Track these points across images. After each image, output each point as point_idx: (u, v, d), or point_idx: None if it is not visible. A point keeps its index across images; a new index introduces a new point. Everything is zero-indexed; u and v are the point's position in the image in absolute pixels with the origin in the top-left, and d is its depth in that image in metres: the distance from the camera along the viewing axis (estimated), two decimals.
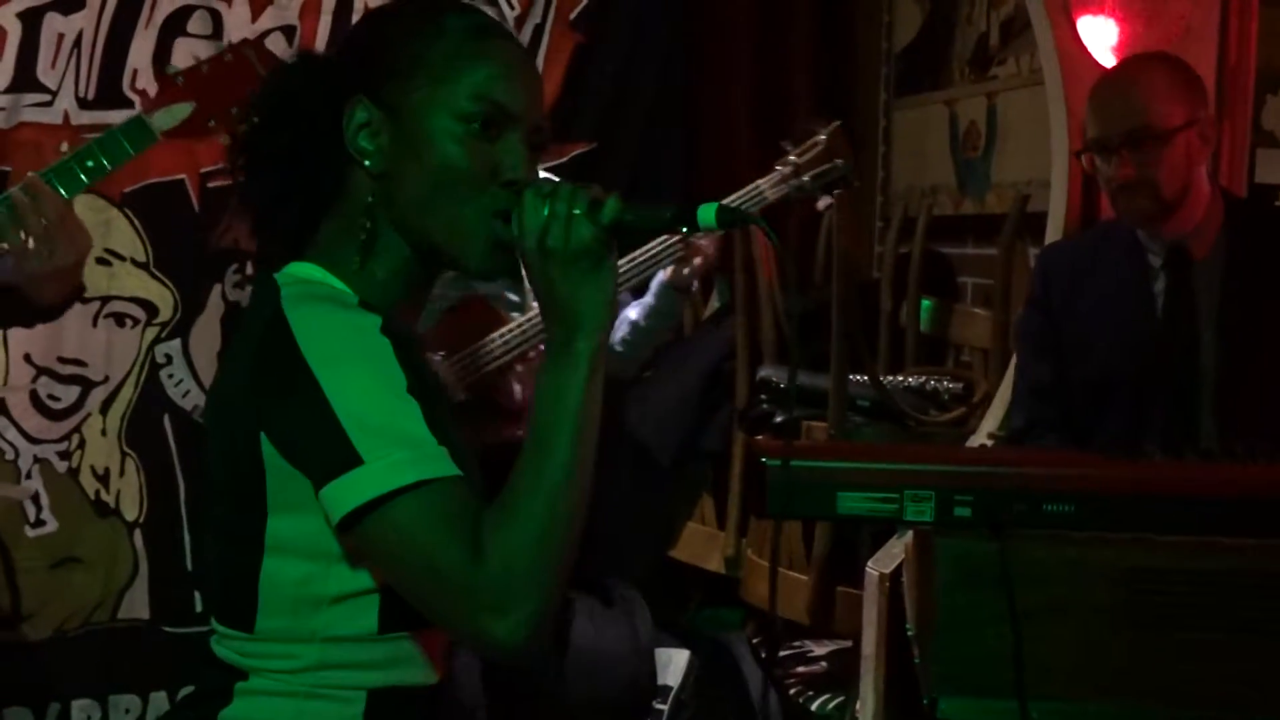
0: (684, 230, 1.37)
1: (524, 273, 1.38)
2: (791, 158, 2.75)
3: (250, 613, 1.42)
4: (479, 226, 1.40)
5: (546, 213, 1.34)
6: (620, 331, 2.83)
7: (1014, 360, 2.79)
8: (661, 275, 2.84)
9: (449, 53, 1.41)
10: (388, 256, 1.43)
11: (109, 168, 1.98)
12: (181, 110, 2.01)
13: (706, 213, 1.34)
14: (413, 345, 1.41)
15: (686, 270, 2.83)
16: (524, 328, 2.78)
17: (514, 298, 2.90)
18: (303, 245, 1.45)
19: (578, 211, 1.33)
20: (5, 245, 1.92)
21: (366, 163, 1.41)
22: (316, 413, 1.29)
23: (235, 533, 1.42)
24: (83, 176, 1.96)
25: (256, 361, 1.37)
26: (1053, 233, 2.99)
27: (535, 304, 2.74)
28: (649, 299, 2.84)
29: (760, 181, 2.75)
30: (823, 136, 2.73)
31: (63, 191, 1.94)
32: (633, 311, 2.86)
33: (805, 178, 2.73)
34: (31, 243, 1.90)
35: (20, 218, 1.89)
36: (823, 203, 3.11)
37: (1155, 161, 2.41)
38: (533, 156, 1.43)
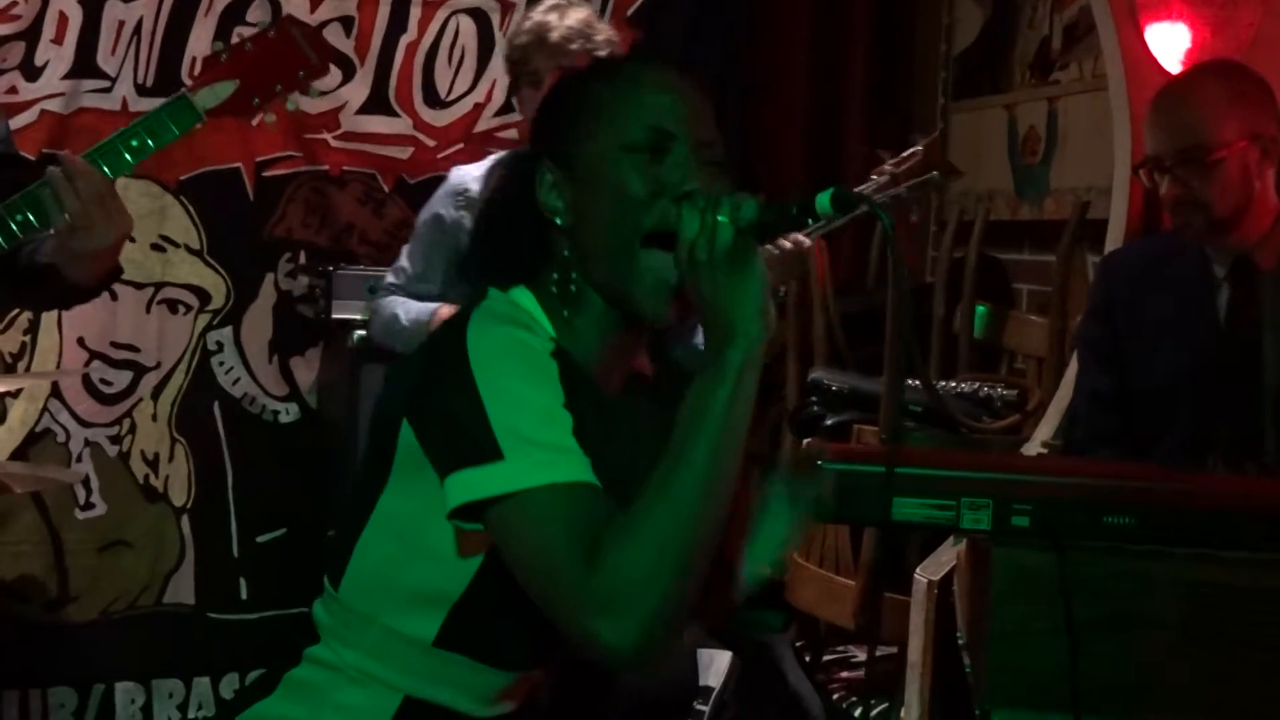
0: (809, 222, 1.39)
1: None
2: (888, 167, 2.77)
3: (340, 573, 1.48)
4: (649, 264, 1.41)
5: (697, 225, 1.35)
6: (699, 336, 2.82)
7: (1071, 369, 2.75)
8: None
9: (615, 94, 1.46)
10: (586, 310, 1.46)
11: (153, 147, 1.98)
12: (225, 89, 2.00)
13: (822, 199, 1.36)
14: (586, 381, 1.43)
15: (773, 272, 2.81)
16: None
17: None
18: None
19: (722, 219, 1.35)
20: (48, 225, 1.92)
21: (557, 220, 1.46)
22: (466, 405, 1.33)
23: (358, 496, 1.47)
24: (127, 156, 1.96)
25: (426, 351, 1.44)
26: (1113, 240, 2.95)
27: None
28: None
29: (856, 190, 2.76)
30: (920, 147, 2.75)
31: (108, 171, 1.94)
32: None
33: (901, 188, 2.75)
34: (70, 222, 1.89)
35: (60, 197, 1.89)
36: (916, 215, 3.13)
37: (1206, 181, 2.38)
38: (709, 172, 1.45)
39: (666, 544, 1.28)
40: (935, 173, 2.75)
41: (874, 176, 2.76)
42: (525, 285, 1.47)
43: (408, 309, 3.04)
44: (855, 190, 2.69)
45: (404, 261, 3.13)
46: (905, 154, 2.76)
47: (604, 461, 1.37)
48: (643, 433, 1.48)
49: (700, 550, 1.30)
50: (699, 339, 2.91)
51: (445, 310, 2.98)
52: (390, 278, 3.14)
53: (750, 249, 1.36)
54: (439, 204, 3.12)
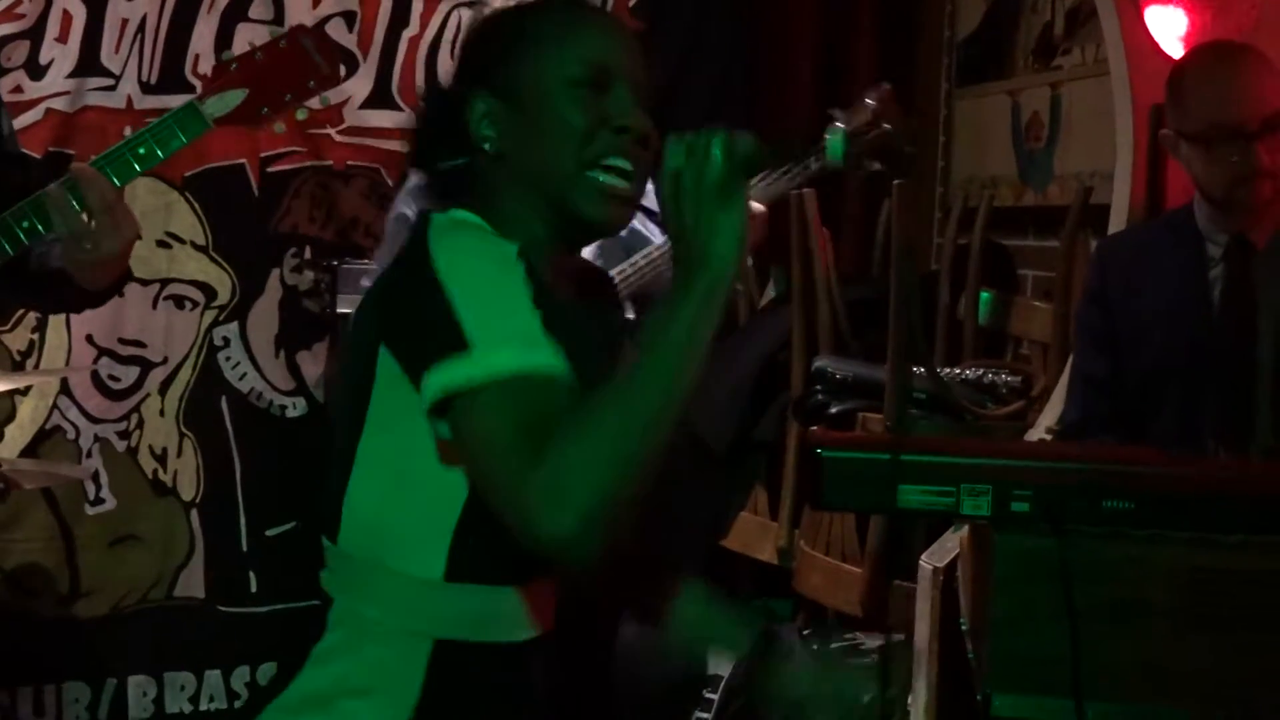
0: (812, 162, 1.40)
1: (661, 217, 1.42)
2: (839, 125, 2.74)
3: (335, 526, 1.48)
4: (594, 180, 1.45)
5: (684, 155, 1.37)
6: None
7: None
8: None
9: (553, 25, 1.49)
10: (522, 230, 1.47)
11: (161, 155, 1.98)
12: (234, 97, 2.00)
13: (834, 145, 1.40)
14: (546, 290, 1.44)
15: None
16: (638, 265, 2.79)
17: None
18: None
19: (715, 151, 1.36)
20: (55, 232, 1.93)
21: (486, 146, 1.48)
22: (434, 303, 1.35)
23: (340, 447, 1.47)
24: (135, 164, 1.97)
25: (390, 274, 1.46)
26: (1115, 225, 2.95)
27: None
28: None
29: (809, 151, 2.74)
30: (870, 101, 2.70)
31: (115, 179, 1.94)
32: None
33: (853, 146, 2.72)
34: (77, 230, 1.90)
35: (68, 205, 1.90)
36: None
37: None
38: (645, 112, 1.48)
39: (612, 444, 1.29)
40: (887, 125, 2.70)
41: (826, 135, 2.72)
42: (465, 207, 1.49)
43: None
44: (791, 167, 2.70)
45: (376, 266, 3.12)
46: (854, 108, 2.70)
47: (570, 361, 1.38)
48: (589, 332, 1.51)
49: (642, 459, 1.31)
50: None
51: None
52: (365, 281, 3.14)
53: (739, 184, 1.37)
54: (403, 203, 3.12)
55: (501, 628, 1.47)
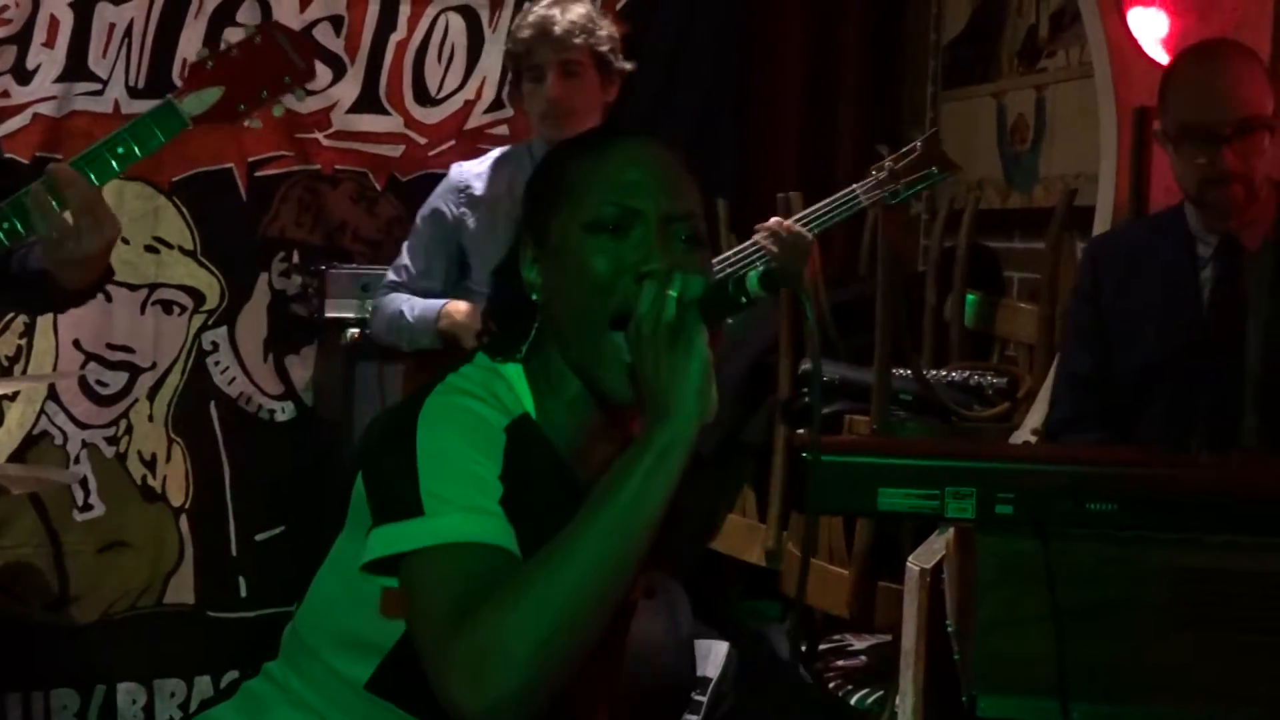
0: (743, 300, 1.36)
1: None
2: (887, 163, 2.79)
3: (302, 601, 1.52)
4: (612, 344, 1.39)
5: (650, 299, 1.34)
6: None
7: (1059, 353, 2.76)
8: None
9: (585, 171, 1.44)
10: (562, 389, 1.45)
11: (140, 155, 1.99)
12: (211, 95, 2.01)
13: (752, 281, 1.34)
14: (553, 460, 1.43)
15: (776, 266, 2.83)
16: None
17: None
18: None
19: (672, 293, 1.33)
20: (35, 233, 1.93)
21: (533, 295, 1.46)
22: (401, 464, 1.34)
23: (330, 532, 1.49)
24: (114, 164, 1.97)
25: (390, 411, 1.47)
26: (1100, 227, 2.96)
27: None
28: None
29: (855, 186, 2.80)
30: (919, 144, 2.78)
31: (94, 179, 1.95)
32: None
33: (900, 184, 2.77)
34: (58, 230, 1.90)
35: (47, 205, 1.90)
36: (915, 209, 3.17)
37: (1259, 152, 2.37)
38: (680, 248, 1.41)
39: (538, 618, 1.22)
40: (934, 168, 2.78)
41: (873, 172, 2.80)
42: (517, 359, 1.46)
43: (412, 305, 3.05)
44: (837, 203, 2.73)
45: (405, 259, 3.14)
46: (904, 150, 2.79)
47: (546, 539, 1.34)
48: None
49: (581, 626, 1.25)
50: None
51: (452, 306, 2.99)
52: (391, 275, 3.16)
53: (693, 327, 1.33)
54: (439, 200, 3.13)
55: None
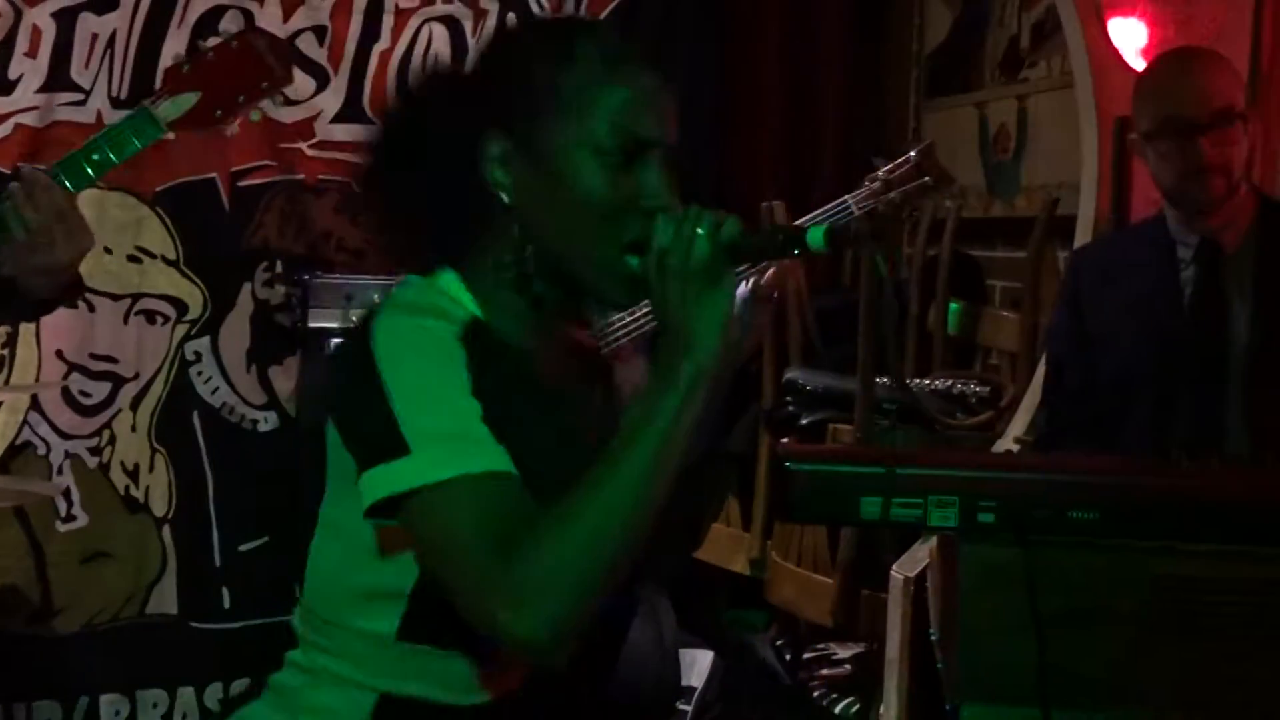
0: (795, 253, 1.38)
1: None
2: (881, 174, 2.80)
3: (303, 578, 1.50)
4: (618, 261, 1.40)
5: (673, 234, 1.35)
6: None
7: (1043, 362, 2.77)
8: (742, 288, 2.84)
9: (581, 83, 1.40)
10: (514, 288, 1.44)
11: (115, 161, 1.97)
12: (187, 100, 1.99)
13: (815, 235, 1.35)
14: (513, 360, 1.42)
15: (764, 280, 2.83)
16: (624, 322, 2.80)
17: None
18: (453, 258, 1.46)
19: (701, 231, 1.34)
20: (7, 238, 1.90)
21: (503, 195, 1.42)
22: (373, 403, 1.33)
23: (308, 502, 1.48)
24: (89, 170, 1.95)
25: (338, 353, 1.46)
26: (1081, 235, 2.98)
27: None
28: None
29: (848, 196, 2.80)
30: (913, 154, 2.79)
31: (69, 185, 1.93)
32: None
33: (894, 194, 2.78)
34: (29, 237, 1.88)
35: (18, 212, 1.87)
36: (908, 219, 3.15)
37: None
38: (671, 179, 1.42)
39: (589, 543, 1.28)
40: (927, 178, 2.79)
41: (867, 183, 2.80)
42: (451, 269, 1.44)
43: None
44: (844, 225, 2.75)
45: None
46: (898, 160, 2.79)
47: (527, 441, 1.36)
48: (579, 416, 1.48)
49: (621, 556, 1.30)
50: None
51: None
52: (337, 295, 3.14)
53: (724, 268, 1.35)
54: None
55: (450, 691, 1.46)
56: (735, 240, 1.35)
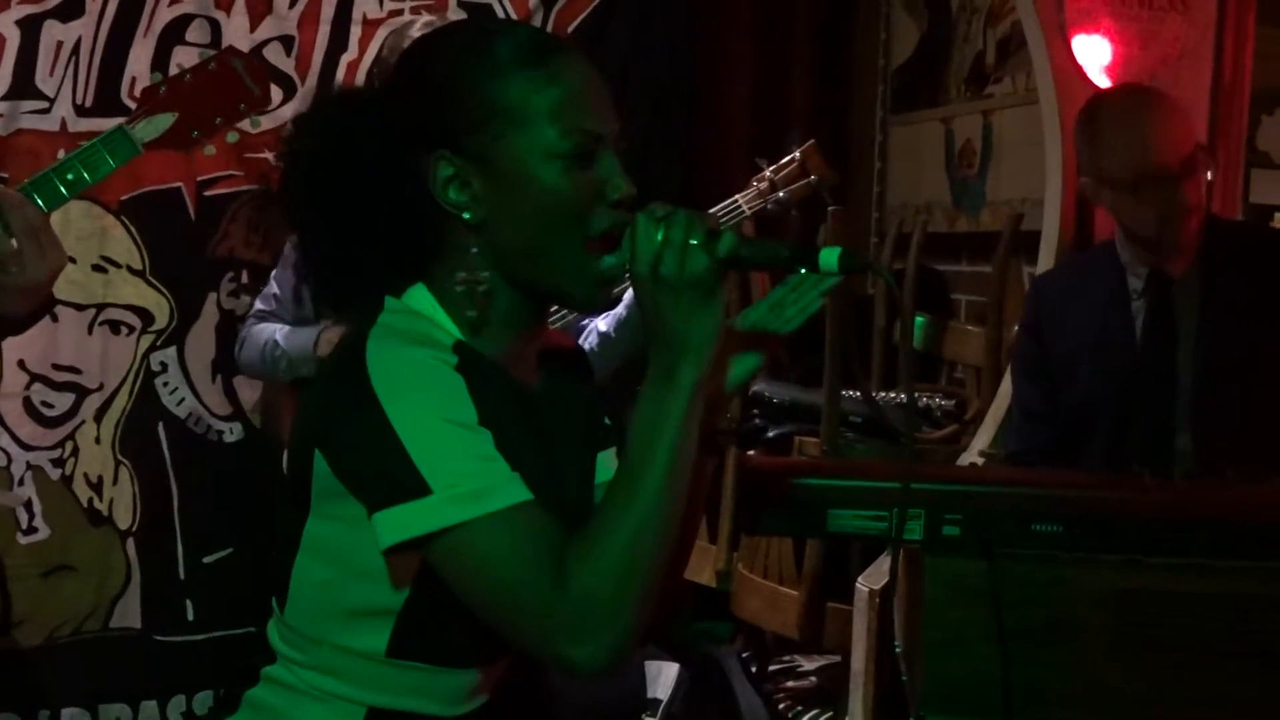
0: (800, 270, 1.37)
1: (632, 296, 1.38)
2: (766, 174, 2.83)
3: (284, 598, 1.47)
4: (591, 263, 1.40)
5: (660, 238, 1.33)
6: (588, 341, 2.80)
7: (1007, 378, 2.80)
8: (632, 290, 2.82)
9: (518, 90, 1.38)
10: (496, 303, 1.42)
11: (90, 180, 1.96)
12: (164, 121, 1.99)
13: (829, 256, 1.34)
14: (499, 377, 1.41)
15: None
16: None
17: None
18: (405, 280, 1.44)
19: (694, 241, 1.33)
20: None
21: (465, 215, 1.40)
22: (381, 439, 1.30)
23: (285, 519, 1.45)
24: (63, 189, 1.94)
25: (327, 377, 1.42)
26: (1046, 251, 3.00)
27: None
28: (620, 310, 2.82)
29: (738, 196, 2.82)
30: (797, 154, 2.81)
31: (42, 204, 1.92)
32: (602, 323, 2.83)
33: (780, 193, 2.80)
34: (3, 256, 1.87)
35: None
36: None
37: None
38: (621, 161, 1.42)
39: (632, 562, 1.29)
40: (813, 177, 2.82)
41: (754, 183, 2.82)
42: (422, 283, 1.42)
43: (286, 334, 2.94)
44: (721, 212, 2.76)
45: (274, 288, 3.04)
46: (783, 160, 2.81)
47: (530, 453, 1.36)
48: (564, 411, 1.49)
49: (659, 568, 1.31)
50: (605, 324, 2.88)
51: (331, 333, 2.88)
52: (259, 304, 3.06)
53: (719, 278, 1.34)
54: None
55: (441, 704, 1.47)
56: (734, 253, 1.34)
